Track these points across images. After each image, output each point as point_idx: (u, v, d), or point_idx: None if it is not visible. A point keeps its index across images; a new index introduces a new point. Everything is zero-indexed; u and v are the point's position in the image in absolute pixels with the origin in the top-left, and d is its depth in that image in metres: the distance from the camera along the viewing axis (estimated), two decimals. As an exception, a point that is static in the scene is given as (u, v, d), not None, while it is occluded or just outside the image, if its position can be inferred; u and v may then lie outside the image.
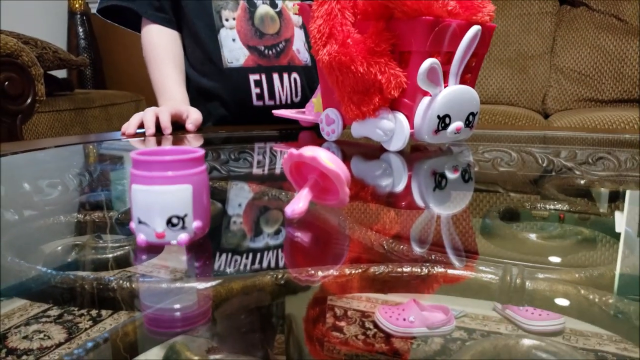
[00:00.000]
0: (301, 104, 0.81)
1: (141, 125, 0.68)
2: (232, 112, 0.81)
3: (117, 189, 0.50)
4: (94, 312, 0.24)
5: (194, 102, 0.79)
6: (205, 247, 0.28)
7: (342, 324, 0.25)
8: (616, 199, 0.51)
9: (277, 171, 0.54)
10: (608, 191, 0.52)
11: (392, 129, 0.52)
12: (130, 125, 0.67)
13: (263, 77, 0.81)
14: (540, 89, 1.65)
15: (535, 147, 0.69)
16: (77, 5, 2.54)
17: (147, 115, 0.66)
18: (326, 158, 0.30)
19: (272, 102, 0.81)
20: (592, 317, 0.25)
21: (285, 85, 0.82)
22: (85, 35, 2.55)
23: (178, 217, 0.26)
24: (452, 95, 0.51)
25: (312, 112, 0.65)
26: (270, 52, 0.81)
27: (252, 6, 0.80)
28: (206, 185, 0.27)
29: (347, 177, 0.30)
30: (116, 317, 0.24)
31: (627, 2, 1.60)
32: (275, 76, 0.81)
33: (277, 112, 0.71)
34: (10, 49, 1.26)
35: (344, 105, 0.54)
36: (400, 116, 0.52)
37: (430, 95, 0.50)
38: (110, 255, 0.29)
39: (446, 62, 0.51)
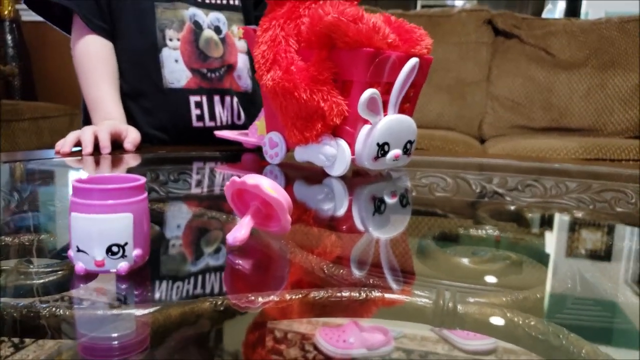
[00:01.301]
0: (243, 127, 0.81)
1: (78, 144, 0.66)
2: (170, 132, 0.80)
3: (49, 210, 0.48)
4: (16, 339, 0.23)
5: (130, 121, 0.77)
6: (145, 274, 0.28)
7: (282, 346, 0.26)
8: (542, 224, 0.55)
9: (217, 192, 0.54)
10: (535, 216, 0.56)
11: (334, 154, 0.54)
12: (66, 143, 0.64)
13: (204, 98, 0.80)
14: (477, 115, 1.74)
15: (469, 173, 0.72)
16: (6, 12, 2.44)
17: (85, 134, 0.64)
18: (268, 186, 0.30)
19: (212, 124, 0.81)
20: (517, 339, 0.27)
21: (226, 107, 0.82)
22: (15, 43, 2.45)
23: (118, 246, 0.25)
24: (391, 124, 0.53)
25: (255, 134, 0.66)
26: (213, 75, 0.81)
27: (198, 28, 0.80)
28: (147, 212, 0.27)
29: (289, 204, 0.31)
30: (41, 343, 0.23)
31: (554, 38, 1.73)
32: (217, 98, 0.81)
33: (219, 134, 0.71)
34: None
35: (287, 130, 0.55)
36: (342, 143, 0.53)
37: (371, 124, 0.52)
38: (42, 281, 0.28)
39: (386, 92, 0.53)
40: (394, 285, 0.32)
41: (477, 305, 0.29)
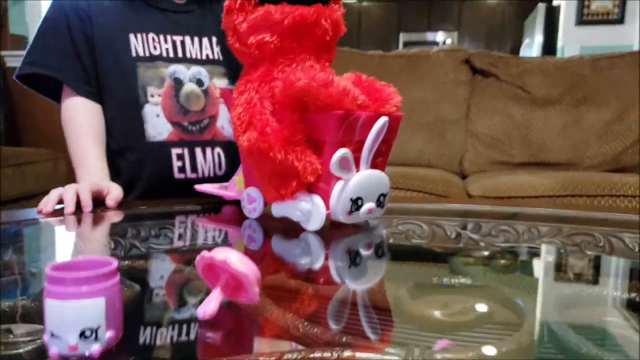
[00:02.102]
0: (225, 177, 0.83)
1: (61, 201, 0.67)
2: (153, 185, 0.82)
3: (31, 273, 0.49)
4: None
5: (113, 175, 0.79)
6: (118, 352, 0.29)
7: None
8: (514, 270, 0.57)
9: (197, 246, 0.55)
10: (507, 262, 0.58)
11: (309, 210, 0.55)
12: (48, 202, 0.65)
13: (185, 150, 0.83)
14: (457, 152, 1.78)
15: (444, 219, 0.74)
16: None
17: (67, 194, 0.65)
18: (236, 260, 0.32)
19: (194, 176, 0.83)
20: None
21: (208, 159, 0.84)
22: None
23: (91, 330, 0.26)
24: (363, 179, 0.55)
25: (234, 189, 0.67)
26: (193, 128, 0.84)
27: (178, 83, 0.83)
28: (119, 294, 0.28)
29: (257, 276, 0.32)
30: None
31: (530, 76, 1.79)
32: (198, 150, 0.83)
33: (199, 187, 0.72)
34: None
35: (264, 188, 0.57)
36: (317, 199, 0.55)
37: (344, 180, 0.54)
38: (21, 351, 0.29)
39: (358, 149, 0.55)
40: (365, 343, 0.33)
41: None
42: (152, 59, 0.82)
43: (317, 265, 0.53)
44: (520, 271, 0.57)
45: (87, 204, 0.66)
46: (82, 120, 0.80)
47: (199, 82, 0.85)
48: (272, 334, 0.34)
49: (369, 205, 0.56)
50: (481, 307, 0.42)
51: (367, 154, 0.55)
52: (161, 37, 0.84)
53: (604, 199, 1.21)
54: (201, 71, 0.85)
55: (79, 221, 0.64)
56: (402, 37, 5.90)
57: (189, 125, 0.83)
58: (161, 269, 0.51)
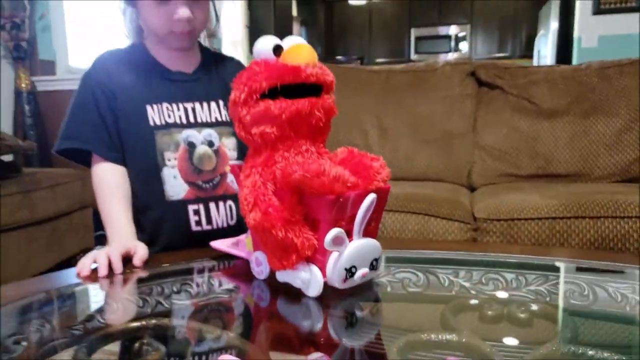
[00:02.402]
0: (236, 227, 0.91)
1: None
2: (172, 238, 0.91)
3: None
4: None
5: (137, 230, 0.87)
6: None
7: None
8: (500, 319, 0.63)
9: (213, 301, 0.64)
10: (496, 313, 0.64)
11: (308, 279, 0.62)
12: (84, 267, 0.74)
13: (201, 206, 0.92)
14: (465, 165, 1.82)
15: (438, 268, 0.80)
16: (23, 85, 2.63)
17: (100, 258, 0.74)
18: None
19: (209, 227, 0.92)
20: None
21: (221, 211, 0.93)
22: (32, 114, 2.62)
23: None
24: (355, 250, 0.61)
25: (244, 249, 0.75)
26: (207, 186, 0.92)
27: (191, 147, 0.92)
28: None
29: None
30: None
31: (536, 87, 1.81)
32: (212, 205, 0.92)
33: (214, 245, 0.79)
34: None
35: (269, 258, 0.64)
36: (315, 269, 0.62)
37: (338, 252, 0.61)
38: None
39: (350, 221, 0.62)
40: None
41: None
42: (168, 126, 0.91)
43: (317, 327, 0.60)
44: (507, 322, 0.63)
45: (118, 267, 0.74)
46: (110, 183, 0.89)
47: (210, 144, 0.93)
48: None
49: (362, 271, 0.63)
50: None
51: (358, 227, 0.61)
52: (174, 105, 0.92)
53: (607, 220, 1.24)
54: (211, 133, 0.93)
55: (111, 282, 0.73)
56: (414, 33, 5.88)
57: (203, 184, 0.92)
58: (183, 328, 0.59)
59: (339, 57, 5.70)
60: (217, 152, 0.94)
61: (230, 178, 0.94)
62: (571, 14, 3.88)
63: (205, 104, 0.95)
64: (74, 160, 0.96)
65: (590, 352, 0.51)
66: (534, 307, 0.66)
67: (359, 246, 0.62)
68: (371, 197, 0.61)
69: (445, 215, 1.34)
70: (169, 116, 0.92)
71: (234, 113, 0.66)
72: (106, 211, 0.89)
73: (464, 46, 5.91)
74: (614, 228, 1.22)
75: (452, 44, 5.91)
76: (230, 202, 0.94)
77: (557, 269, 0.83)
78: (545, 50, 4.52)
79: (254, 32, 5.06)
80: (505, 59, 5.59)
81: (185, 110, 0.93)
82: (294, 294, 0.65)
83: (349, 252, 0.61)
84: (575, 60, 3.78)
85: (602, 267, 0.81)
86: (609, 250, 1.23)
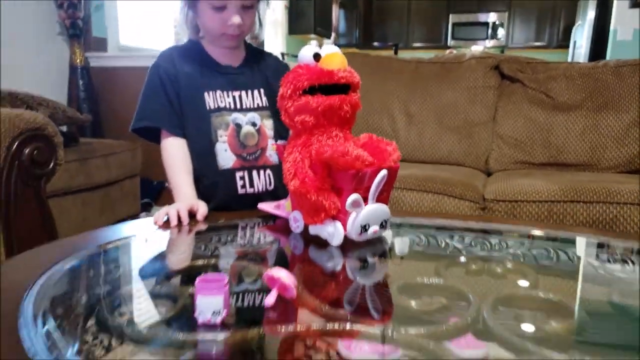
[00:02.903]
0: (273, 191, 1.14)
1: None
2: (223, 200, 1.13)
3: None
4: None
5: (198, 195, 1.10)
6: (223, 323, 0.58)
7: (310, 352, 0.54)
8: (481, 273, 0.82)
9: (258, 248, 0.85)
10: (478, 268, 0.83)
11: (332, 232, 0.82)
12: (159, 217, 0.97)
13: (245, 173, 1.13)
14: (484, 151, 1.98)
15: (438, 232, 1.00)
16: (78, 61, 2.81)
17: (172, 211, 0.97)
18: (284, 275, 0.60)
19: (252, 190, 1.14)
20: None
21: (261, 178, 1.15)
22: (85, 88, 2.81)
23: (216, 310, 0.55)
24: (369, 212, 0.81)
25: (284, 210, 0.96)
26: (250, 157, 1.14)
27: (238, 127, 1.14)
28: (228, 294, 0.57)
29: (295, 284, 0.60)
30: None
31: (554, 82, 1.95)
32: (254, 173, 1.14)
33: (261, 207, 1.01)
34: (39, 123, 1.51)
35: (304, 217, 0.85)
36: (338, 224, 0.82)
37: (356, 213, 0.81)
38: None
39: (367, 190, 0.81)
40: (365, 320, 0.60)
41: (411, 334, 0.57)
42: (220, 110, 1.12)
43: (338, 267, 0.81)
44: (485, 274, 0.82)
45: (185, 219, 0.96)
46: (178, 156, 1.12)
47: (253, 124, 1.15)
48: (307, 312, 0.62)
49: (374, 228, 0.82)
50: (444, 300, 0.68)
51: (372, 195, 0.81)
52: (225, 93, 1.13)
53: (599, 205, 1.40)
54: (254, 116, 1.15)
55: (179, 231, 0.96)
56: (452, 19, 5.92)
57: (247, 156, 1.14)
58: (235, 267, 0.81)
59: (375, 44, 5.80)
60: (258, 131, 1.15)
61: (269, 152, 1.17)
62: (609, 6, 3.88)
63: (249, 92, 1.16)
64: (146, 137, 1.16)
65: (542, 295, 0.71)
66: (509, 265, 0.85)
67: (372, 209, 0.82)
68: (383, 172, 0.80)
69: (457, 195, 1.52)
70: (221, 102, 1.12)
71: (281, 104, 0.86)
72: (174, 179, 1.11)
73: (501, 34, 5.92)
74: (604, 212, 1.38)
75: (490, 31, 5.92)
76: (269, 171, 1.15)
77: (534, 237, 1.01)
78: (581, 41, 4.53)
79: (294, 13, 5.22)
80: (541, 48, 5.60)
81: (234, 97, 1.14)
82: (322, 245, 0.85)
83: (365, 213, 0.81)
84: (609, 53, 3.80)
85: (570, 238, 0.99)
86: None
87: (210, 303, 0.55)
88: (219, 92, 1.13)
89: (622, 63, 1.92)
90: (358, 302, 0.68)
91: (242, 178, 1.13)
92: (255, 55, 1.23)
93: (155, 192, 2.86)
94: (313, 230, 0.86)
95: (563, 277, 0.82)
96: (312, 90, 0.82)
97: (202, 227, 0.98)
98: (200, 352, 0.55)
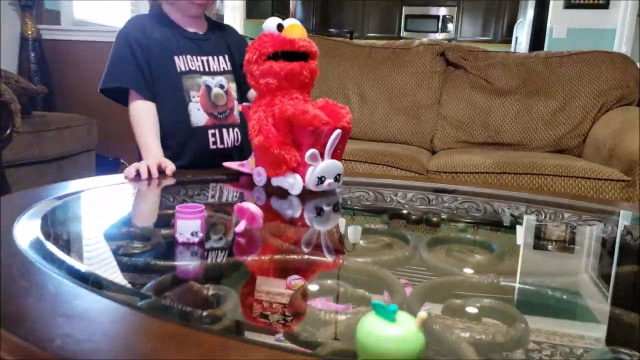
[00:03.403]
0: (240, 148, 1.25)
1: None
2: (195, 155, 1.21)
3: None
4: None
5: (166, 150, 1.18)
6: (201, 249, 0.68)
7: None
8: (420, 222, 0.95)
9: (225, 201, 0.94)
10: (417, 218, 0.96)
11: (293, 183, 0.93)
12: (130, 172, 1.04)
13: (216, 131, 1.22)
14: (429, 132, 2.14)
15: (385, 189, 1.13)
16: (29, 32, 2.72)
17: (142, 167, 1.04)
18: (253, 207, 0.70)
19: (222, 146, 1.24)
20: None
21: (230, 135, 1.25)
22: (37, 60, 2.74)
23: (194, 232, 0.65)
24: (325, 165, 0.93)
25: (249, 167, 1.06)
26: (221, 116, 1.24)
27: (208, 89, 1.23)
28: (204, 218, 0.67)
29: (262, 215, 0.71)
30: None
31: (493, 69, 2.13)
32: (224, 130, 1.24)
33: (226, 164, 1.10)
34: (-5, 90, 1.53)
35: (267, 170, 0.96)
36: (298, 176, 0.93)
37: (313, 166, 0.92)
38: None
39: (323, 147, 0.92)
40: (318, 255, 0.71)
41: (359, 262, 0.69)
42: (191, 72, 1.20)
43: (296, 215, 0.92)
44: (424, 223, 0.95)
45: (155, 173, 1.04)
46: (146, 117, 1.19)
47: (221, 86, 1.25)
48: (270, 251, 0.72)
49: (329, 181, 0.94)
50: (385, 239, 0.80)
51: (328, 151, 0.93)
52: (194, 57, 1.22)
53: (527, 176, 1.58)
54: (222, 79, 1.25)
55: (148, 184, 1.03)
56: (405, 11, 6.12)
57: (218, 115, 1.23)
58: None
59: (331, 30, 5.91)
60: (226, 93, 1.25)
61: (236, 112, 1.27)
62: (545, 6, 4.16)
63: (215, 58, 1.25)
64: (113, 98, 1.22)
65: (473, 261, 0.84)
66: (444, 216, 0.99)
67: (328, 163, 0.93)
68: (338, 131, 0.92)
69: (404, 167, 1.66)
70: (192, 65, 1.21)
71: (247, 68, 0.96)
72: (143, 139, 1.18)
73: (450, 27, 6.16)
74: (531, 182, 1.56)
75: (440, 24, 6.15)
76: (236, 129, 1.26)
77: (464, 193, 1.15)
78: (522, 37, 4.82)
79: (251, 1, 5.25)
80: (487, 42, 5.88)
81: (202, 61, 1.23)
82: (283, 195, 0.96)
83: (321, 166, 0.92)
84: (546, 49, 4.08)
85: (497, 194, 1.15)
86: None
87: (189, 225, 0.65)
88: (188, 57, 1.21)
89: (551, 54, 2.13)
90: (315, 243, 0.78)
91: (214, 135, 1.22)
92: (216, 25, 1.33)
93: (111, 169, 2.86)
94: (275, 182, 0.97)
95: (488, 225, 0.96)
96: (275, 57, 0.92)
97: (171, 182, 1.06)
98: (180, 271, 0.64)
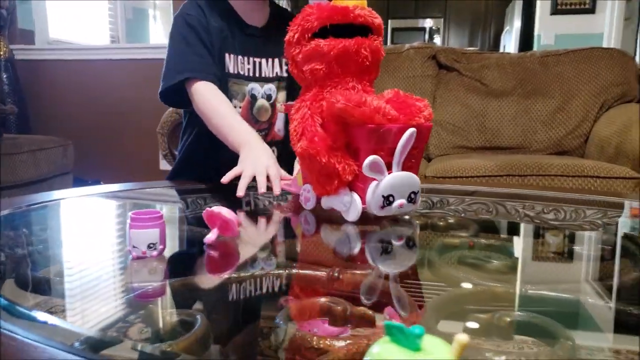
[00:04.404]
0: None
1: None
2: (226, 169, 0.95)
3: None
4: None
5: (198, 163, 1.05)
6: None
7: None
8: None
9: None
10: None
11: (349, 202, 0.68)
12: (241, 189, 0.82)
13: None
14: (423, 138, 2.03)
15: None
16: (1, 52, 2.60)
17: (260, 178, 0.84)
18: (226, 212, 0.57)
19: None
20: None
21: None
22: (9, 81, 2.60)
23: (152, 244, 0.52)
24: (393, 180, 0.65)
25: (295, 185, 0.83)
26: (261, 133, 1.06)
27: (253, 99, 1.07)
28: (164, 228, 0.54)
29: (238, 221, 0.58)
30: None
31: (487, 70, 2.03)
32: None
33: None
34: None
35: (314, 185, 0.70)
36: (355, 195, 0.67)
37: (376, 180, 0.65)
38: None
39: (391, 154, 0.65)
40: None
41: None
42: (239, 77, 1.05)
43: (353, 250, 0.65)
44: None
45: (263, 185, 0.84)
46: (220, 98, 0.98)
47: (269, 97, 1.08)
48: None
49: (399, 201, 0.66)
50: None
51: (397, 159, 0.65)
52: (246, 59, 1.05)
53: (532, 178, 1.46)
54: (271, 87, 1.08)
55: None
56: (391, 24, 6.09)
57: (258, 131, 1.03)
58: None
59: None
60: (272, 105, 1.08)
61: (278, 127, 1.11)
62: (532, 13, 4.14)
63: (270, 60, 1.08)
64: (173, 104, 1.06)
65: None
66: (451, 220, 0.84)
67: (397, 177, 0.65)
68: (410, 131, 0.64)
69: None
70: (242, 69, 1.05)
71: (288, 52, 0.71)
72: (229, 122, 0.96)
73: (437, 39, 6.15)
74: (537, 183, 1.44)
75: (427, 36, 6.14)
76: (274, 148, 1.08)
77: (475, 194, 1.02)
78: (509, 46, 4.79)
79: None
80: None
81: (254, 63, 1.06)
82: (336, 220, 0.70)
83: (387, 180, 0.64)
84: (535, 56, 4.04)
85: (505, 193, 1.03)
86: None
87: (146, 235, 0.52)
88: (240, 58, 1.05)
89: (546, 53, 2.04)
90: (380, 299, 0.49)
91: None
92: (279, 13, 1.13)
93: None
94: (326, 202, 0.72)
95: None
96: (324, 34, 0.68)
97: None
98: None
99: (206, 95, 0.98)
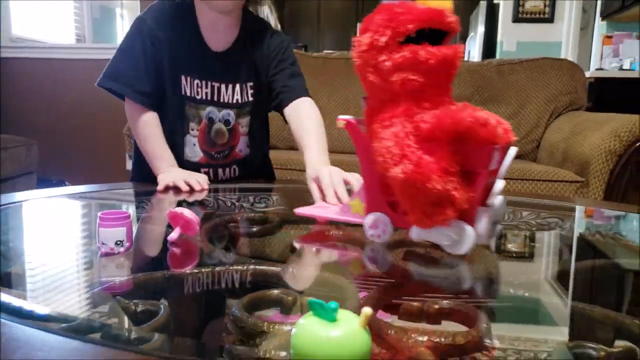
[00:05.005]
0: (236, 180, 1.11)
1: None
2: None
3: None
4: None
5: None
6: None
7: None
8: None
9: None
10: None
11: (460, 235, 0.58)
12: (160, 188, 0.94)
13: (210, 169, 1.08)
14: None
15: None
16: None
17: (180, 182, 0.94)
18: (188, 212, 0.62)
19: (215, 179, 1.10)
20: None
21: (226, 172, 1.11)
22: None
23: (120, 241, 0.57)
24: (500, 203, 0.60)
25: (348, 212, 0.69)
26: (218, 156, 1.09)
27: (210, 122, 1.05)
28: (131, 227, 0.58)
29: (198, 221, 0.63)
30: None
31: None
32: (220, 169, 1.10)
33: (299, 212, 0.73)
34: None
35: (415, 216, 0.58)
36: (466, 224, 0.58)
37: (487, 205, 0.58)
38: None
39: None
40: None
41: None
42: (195, 101, 1.03)
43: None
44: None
45: (196, 186, 0.95)
46: (154, 126, 1.02)
47: (227, 122, 1.07)
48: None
49: (500, 225, 0.62)
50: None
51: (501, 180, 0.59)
52: (203, 82, 1.02)
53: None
54: (230, 113, 1.06)
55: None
56: (360, 27, 6.17)
57: (215, 154, 1.08)
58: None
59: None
60: (230, 130, 1.07)
61: (239, 148, 1.10)
62: (495, 20, 4.29)
63: (230, 86, 1.04)
64: (114, 94, 1.04)
65: None
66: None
67: (503, 199, 0.60)
68: (514, 150, 0.60)
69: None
70: (198, 93, 1.02)
71: (369, 59, 0.59)
72: (154, 147, 1.02)
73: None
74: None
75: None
76: (234, 166, 1.11)
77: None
78: (474, 52, 4.94)
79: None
80: (440, 58, 6.00)
81: (212, 87, 1.03)
82: (424, 256, 0.62)
83: (499, 205, 0.58)
84: (497, 62, 4.18)
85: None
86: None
87: (113, 233, 0.57)
88: (197, 81, 1.02)
89: (502, 62, 2.14)
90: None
91: (207, 173, 1.06)
92: (253, 27, 1.07)
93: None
94: (422, 234, 0.61)
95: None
96: (414, 39, 0.57)
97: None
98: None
99: (132, 112, 1.03)
